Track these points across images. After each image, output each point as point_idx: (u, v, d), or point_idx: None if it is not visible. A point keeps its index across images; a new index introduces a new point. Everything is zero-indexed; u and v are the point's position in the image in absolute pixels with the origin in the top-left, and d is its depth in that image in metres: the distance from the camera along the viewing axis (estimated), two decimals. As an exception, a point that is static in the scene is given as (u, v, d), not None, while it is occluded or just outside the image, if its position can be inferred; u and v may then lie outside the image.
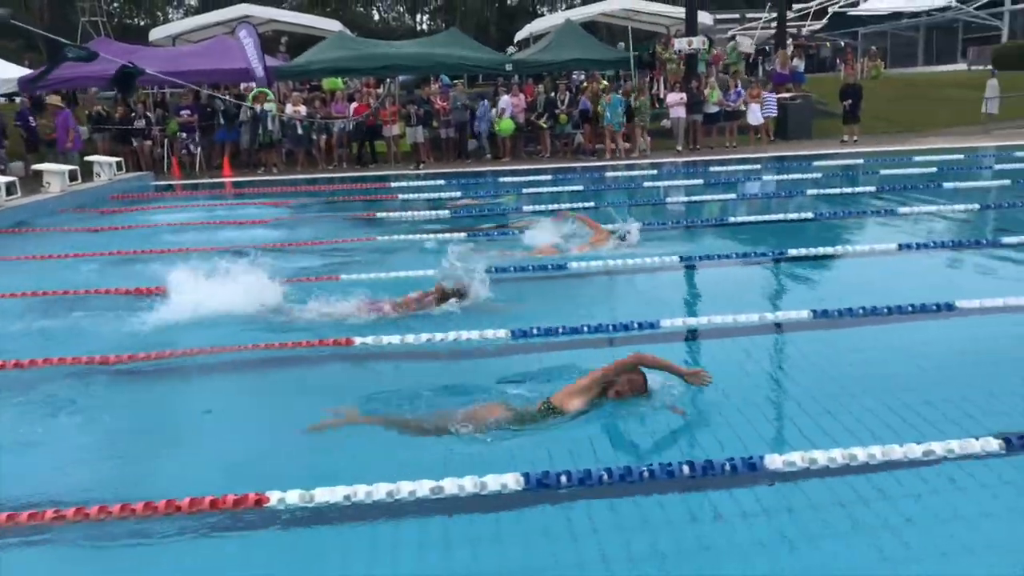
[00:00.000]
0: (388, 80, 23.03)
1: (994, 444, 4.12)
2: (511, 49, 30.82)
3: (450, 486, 3.91)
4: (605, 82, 22.48)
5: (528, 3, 61.31)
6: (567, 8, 47.06)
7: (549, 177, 16.41)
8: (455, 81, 24.84)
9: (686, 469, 3.99)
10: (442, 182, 16.17)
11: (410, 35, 42.85)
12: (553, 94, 21.58)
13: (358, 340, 6.02)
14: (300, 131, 20.19)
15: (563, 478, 3.95)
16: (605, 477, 3.95)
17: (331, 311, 6.69)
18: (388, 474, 3.97)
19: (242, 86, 22.47)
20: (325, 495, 3.87)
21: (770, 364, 5.58)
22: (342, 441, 4.57)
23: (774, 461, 4.03)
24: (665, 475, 3.97)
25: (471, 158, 21.05)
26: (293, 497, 3.86)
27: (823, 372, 5.19)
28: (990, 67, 30.30)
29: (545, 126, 21.11)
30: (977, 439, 4.16)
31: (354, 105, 20.97)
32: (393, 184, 16.42)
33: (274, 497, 3.87)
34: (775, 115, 21.85)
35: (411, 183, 16.39)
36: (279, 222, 12.28)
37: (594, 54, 22.64)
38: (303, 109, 20.51)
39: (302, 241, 10.38)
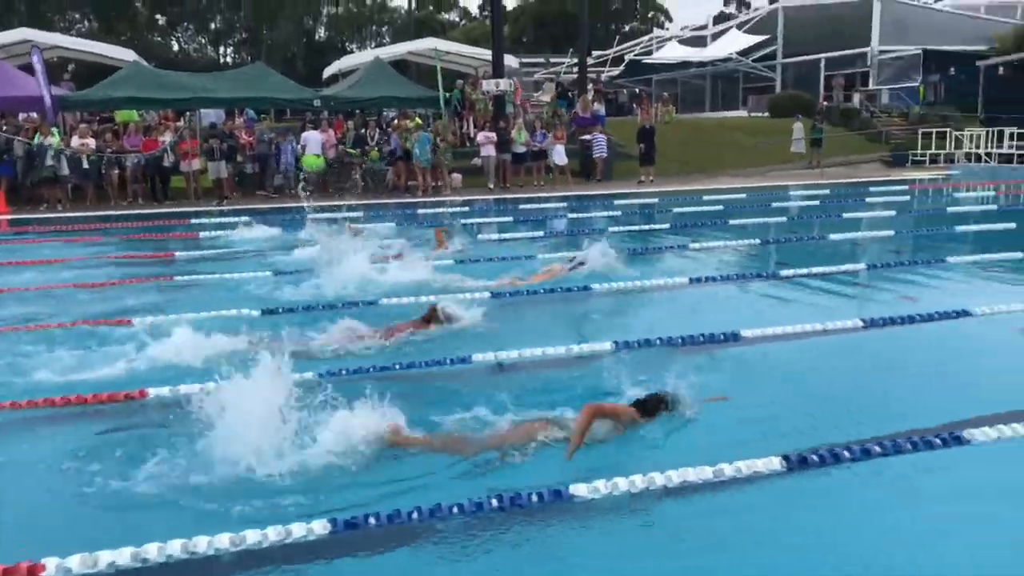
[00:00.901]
0: (189, 113, 22.07)
1: (776, 463, 4.46)
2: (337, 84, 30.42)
3: (252, 536, 3.73)
4: (418, 119, 22.73)
5: (336, 40, 60.97)
6: (376, 46, 47.20)
7: (359, 214, 16.27)
8: (261, 116, 24.21)
9: (495, 502, 4.03)
10: (247, 218, 15.61)
11: (212, 68, 41.29)
12: (363, 130, 21.51)
13: (152, 392, 5.65)
14: (87, 165, 18.86)
15: (372, 520, 3.88)
16: (415, 516, 3.92)
17: (319, 343, 6.64)
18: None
19: (20, 116, 20.75)
20: (111, 558, 3.58)
21: (574, 395, 5.75)
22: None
23: (579, 489, 4.15)
24: (474, 508, 3.99)
25: (277, 194, 20.50)
26: (74, 563, 3.54)
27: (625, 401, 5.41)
28: (766, 113, 33.44)
29: (356, 155, 20.94)
30: (761, 459, 4.47)
31: (144, 139, 19.85)
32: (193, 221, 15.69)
33: (51, 565, 3.53)
34: (606, 155, 23.07)
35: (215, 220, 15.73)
36: (64, 263, 11.37)
37: (403, 92, 22.85)
38: (91, 142, 19.19)
39: (87, 283, 9.64)
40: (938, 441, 4.68)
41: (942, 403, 5.45)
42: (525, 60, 42.64)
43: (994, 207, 17.31)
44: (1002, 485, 4.39)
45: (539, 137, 22.43)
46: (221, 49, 61.35)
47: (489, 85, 23.45)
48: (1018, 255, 10.60)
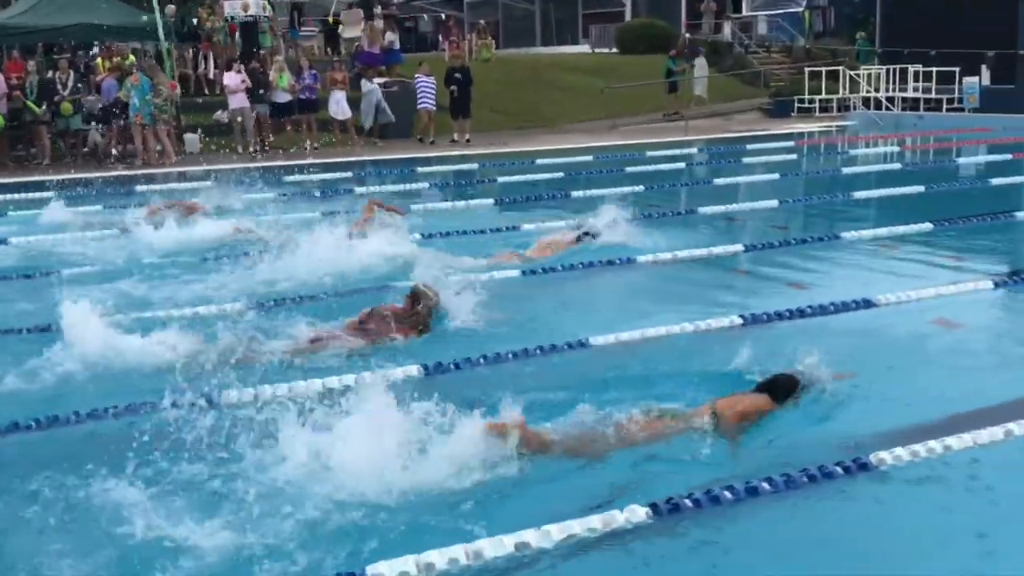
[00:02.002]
0: None
1: (641, 513, 4.60)
2: None
3: None
4: (132, 57, 21.87)
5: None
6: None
7: (51, 193, 15.46)
8: None
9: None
10: None
11: None
12: (51, 73, 20.47)
13: None
14: None
15: None
16: None
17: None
18: None
19: None
20: None
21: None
22: None
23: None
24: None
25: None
26: None
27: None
28: (614, 48, 34.59)
29: (39, 112, 19.81)
30: (623, 511, 4.60)
31: None
32: None
33: None
34: (433, 107, 22.90)
35: None
36: None
37: (108, 18, 21.80)
38: None
39: None
40: (839, 470, 4.98)
41: (842, 419, 5.81)
42: (286, -26, 41.90)
43: (898, 166, 18.73)
44: (921, 521, 4.74)
45: (308, 79, 22.06)
46: None
47: (234, 8, 22.92)
48: (927, 227, 11.52)
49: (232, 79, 21.19)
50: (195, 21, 24.42)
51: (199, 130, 21.57)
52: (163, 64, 21.38)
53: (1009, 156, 19.08)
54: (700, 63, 29.08)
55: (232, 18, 23.38)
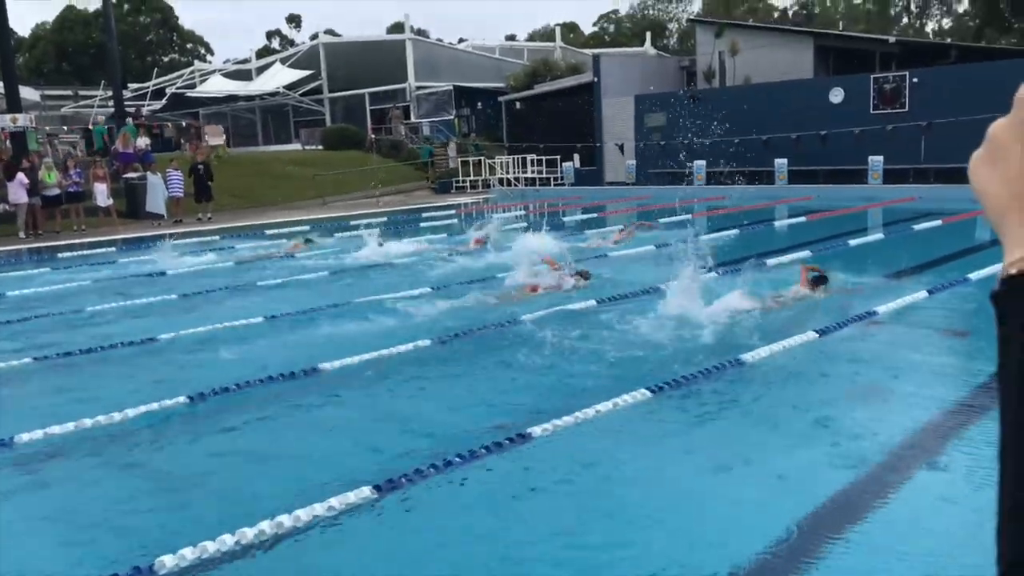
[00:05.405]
0: None
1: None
2: None
3: None
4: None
5: None
6: None
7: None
8: None
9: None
10: None
11: None
12: None
13: None
14: None
15: None
16: None
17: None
18: None
19: None
20: None
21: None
22: None
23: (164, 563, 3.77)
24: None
25: None
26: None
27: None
28: (320, 146, 34.19)
29: None
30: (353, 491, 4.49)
31: None
32: None
33: None
34: (181, 195, 21.69)
35: None
36: None
37: None
38: None
39: None
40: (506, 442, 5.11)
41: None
42: (49, 92, 38.49)
43: (524, 224, 19.73)
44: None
45: (74, 175, 20.22)
46: None
47: (4, 121, 20.68)
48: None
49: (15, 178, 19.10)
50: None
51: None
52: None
53: (595, 215, 20.58)
54: (452, 146, 31.70)
55: (3, 128, 21.05)
